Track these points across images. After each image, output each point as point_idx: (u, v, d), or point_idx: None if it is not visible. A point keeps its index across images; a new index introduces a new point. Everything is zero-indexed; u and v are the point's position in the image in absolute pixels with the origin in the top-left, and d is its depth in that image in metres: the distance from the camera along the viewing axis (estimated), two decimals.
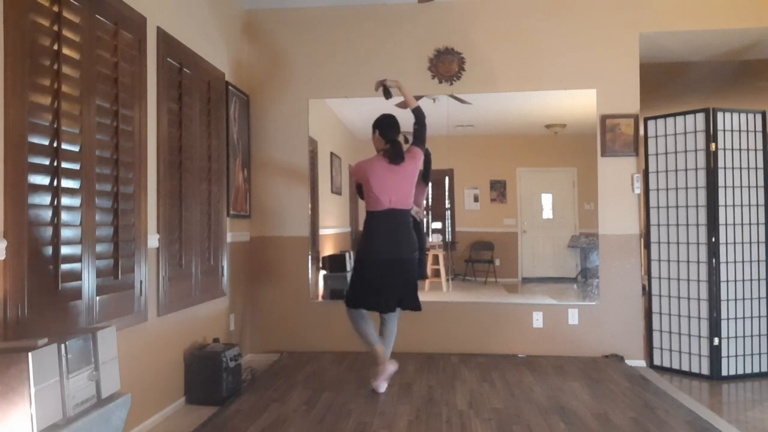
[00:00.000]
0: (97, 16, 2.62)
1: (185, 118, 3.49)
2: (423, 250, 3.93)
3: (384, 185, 3.47)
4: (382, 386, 3.54)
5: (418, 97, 4.71)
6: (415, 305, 3.59)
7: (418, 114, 3.63)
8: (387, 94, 3.78)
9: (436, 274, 5.61)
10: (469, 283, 5.19)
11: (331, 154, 5.37)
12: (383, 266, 3.45)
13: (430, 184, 5.29)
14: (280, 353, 4.58)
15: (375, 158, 3.59)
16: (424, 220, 3.91)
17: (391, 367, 3.56)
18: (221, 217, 4.03)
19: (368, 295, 3.48)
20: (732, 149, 4.06)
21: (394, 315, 3.63)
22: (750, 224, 4.06)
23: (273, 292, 4.70)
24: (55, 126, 2.33)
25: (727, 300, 3.99)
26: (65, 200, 2.38)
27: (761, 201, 4.08)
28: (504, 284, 5.57)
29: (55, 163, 2.32)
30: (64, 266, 2.36)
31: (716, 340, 3.99)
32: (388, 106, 4.59)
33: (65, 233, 2.37)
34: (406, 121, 3.62)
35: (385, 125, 3.62)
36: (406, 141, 3.70)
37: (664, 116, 4.29)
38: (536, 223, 5.57)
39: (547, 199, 5.58)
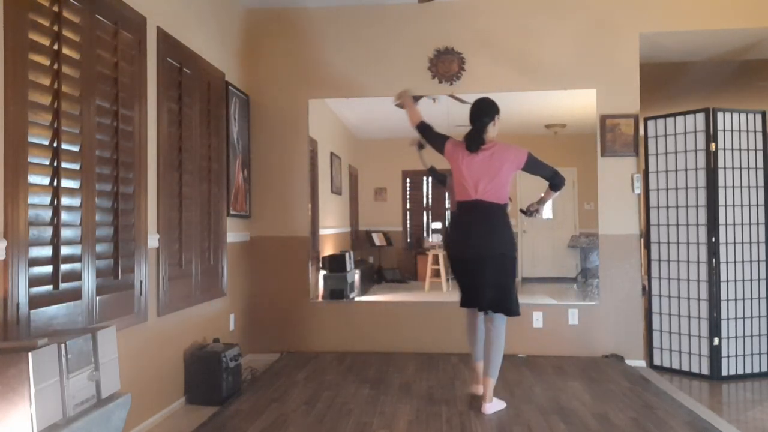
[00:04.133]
0: (97, 16, 2.62)
1: (185, 118, 3.49)
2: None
3: (470, 172, 3.20)
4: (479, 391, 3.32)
5: (417, 98, 4.72)
6: (502, 308, 3.18)
7: (558, 180, 3.30)
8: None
9: (436, 274, 5.61)
10: None
11: (331, 154, 5.38)
12: (462, 262, 3.25)
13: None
14: (280, 353, 4.58)
15: (461, 141, 3.29)
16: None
17: (480, 389, 3.28)
18: (221, 217, 4.03)
19: (462, 291, 3.31)
20: (732, 149, 4.05)
21: (488, 318, 3.23)
22: (750, 224, 4.06)
23: (273, 292, 4.69)
24: (55, 126, 2.33)
25: (727, 300, 3.99)
26: (65, 200, 2.37)
27: (761, 201, 4.08)
28: None
29: (55, 163, 2.32)
30: (64, 266, 2.36)
31: (716, 340, 3.99)
32: (390, 105, 4.58)
33: (65, 233, 2.37)
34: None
35: (472, 108, 3.29)
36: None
37: (664, 116, 4.29)
38: (536, 223, 5.57)
39: None
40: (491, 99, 3.31)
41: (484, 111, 3.24)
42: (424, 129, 3.45)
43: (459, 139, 3.32)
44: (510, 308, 3.18)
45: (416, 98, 4.71)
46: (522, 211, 3.43)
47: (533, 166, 3.24)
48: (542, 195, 3.41)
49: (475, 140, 3.21)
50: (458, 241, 3.27)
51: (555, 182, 3.29)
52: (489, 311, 3.19)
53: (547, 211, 5.61)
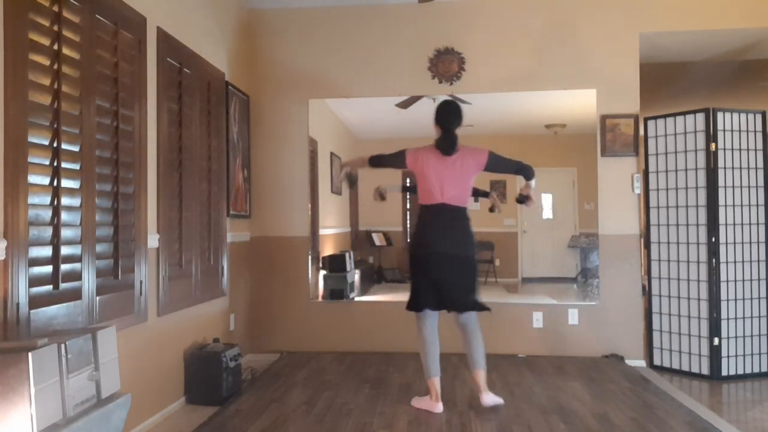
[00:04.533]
0: (97, 16, 2.62)
1: (185, 118, 3.49)
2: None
3: (437, 177, 3.20)
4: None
5: (417, 97, 4.73)
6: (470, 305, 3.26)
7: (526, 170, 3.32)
8: (352, 183, 3.86)
9: None
10: None
11: (331, 154, 5.37)
12: (433, 258, 3.20)
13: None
14: (280, 353, 4.57)
15: (429, 147, 3.27)
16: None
17: (439, 407, 3.19)
18: (221, 217, 4.03)
19: (426, 292, 3.25)
20: (732, 149, 4.05)
21: (463, 317, 3.31)
22: (750, 224, 4.06)
23: (273, 292, 4.69)
24: (55, 126, 2.33)
25: (727, 300, 3.99)
26: (65, 200, 2.37)
27: (761, 201, 4.08)
28: (504, 284, 5.56)
29: (55, 163, 2.32)
30: (64, 266, 2.36)
31: (716, 340, 3.99)
32: (390, 105, 4.59)
33: (65, 233, 2.37)
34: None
35: (440, 110, 3.28)
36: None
37: (664, 116, 4.29)
38: (536, 223, 5.57)
39: (547, 199, 5.58)
40: (457, 103, 3.34)
41: (456, 114, 3.27)
42: (376, 161, 3.43)
43: (416, 146, 3.32)
44: (482, 306, 3.28)
45: (416, 98, 4.73)
46: (518, 201, 3.43)
47: (495, 164, 3.26)
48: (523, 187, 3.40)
49: (452, 144, 3.23)
50: (429, 241, 3.24)
51: (525, 174, 3.29)
52: (465, 311, 3.26)
53: (547, 210, 5.61)
